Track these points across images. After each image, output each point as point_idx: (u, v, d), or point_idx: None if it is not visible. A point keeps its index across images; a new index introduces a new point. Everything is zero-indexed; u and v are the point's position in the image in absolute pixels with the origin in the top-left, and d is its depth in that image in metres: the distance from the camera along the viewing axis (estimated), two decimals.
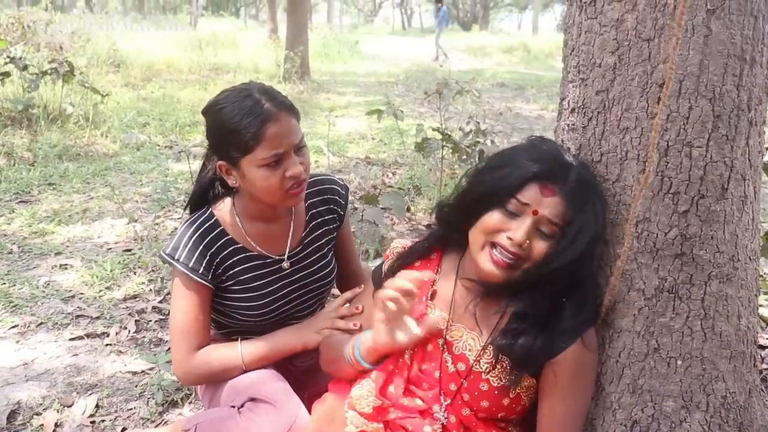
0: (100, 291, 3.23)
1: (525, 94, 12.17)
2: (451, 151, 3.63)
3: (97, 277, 3.36)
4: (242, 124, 1.53)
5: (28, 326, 2.89)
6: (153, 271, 3.45)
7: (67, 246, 3.85)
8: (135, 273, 3.43)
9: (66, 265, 3.56)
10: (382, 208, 3.33)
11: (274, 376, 1.71)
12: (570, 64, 1.58)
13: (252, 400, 1.63)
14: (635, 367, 1.52)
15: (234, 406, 1.65)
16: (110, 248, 3.82)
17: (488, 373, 1.38)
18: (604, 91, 1.48)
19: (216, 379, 1.72)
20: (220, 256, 1.69)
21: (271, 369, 1.74)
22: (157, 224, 4.10)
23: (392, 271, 1.54)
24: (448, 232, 1.53)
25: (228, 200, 1.75)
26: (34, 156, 5.67)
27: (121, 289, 3.24)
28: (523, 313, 1.38)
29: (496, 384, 1.38)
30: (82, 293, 3.21)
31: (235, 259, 1.71)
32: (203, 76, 11.88)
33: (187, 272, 1.65)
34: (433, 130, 3.61)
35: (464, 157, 3.75)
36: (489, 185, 1.38)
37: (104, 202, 4.65)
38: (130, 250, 3.77)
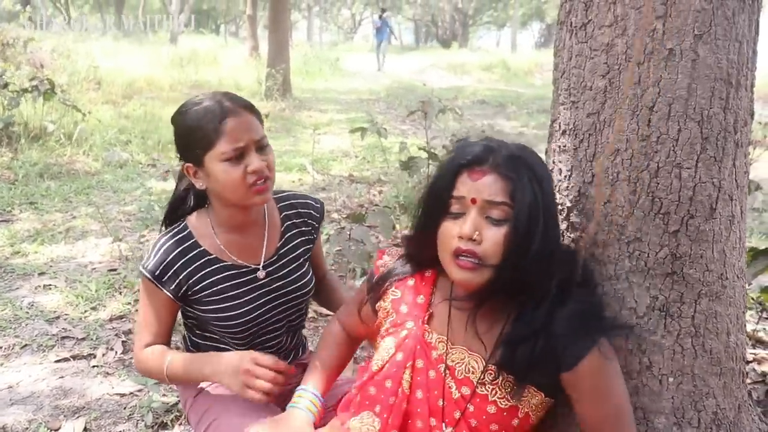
0: (85, 312, 3.20)
1: (506, 111, 12.30)
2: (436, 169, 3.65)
3: (81, 297, 3.33)
4: (203, 120, 1.61)
5: (12, 348, 2.86)
6: (138, 291, 3.41)
7: (51, 266, 3.81)
8: (120, 293, 3.40)
9: (49, 285, 3.53)
10: (368, 226, 3.33)
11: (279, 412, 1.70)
12: (561, 86, 1.61)
13: None
14: (628, 384, 1.53)
15: None
16: (94, 268, 3.79)
17: (495, 395, 1.34)
18: (595, 113, 1.51)
19: (153, 377, 1.82)
20: (191, 267, 1.71)
21: (273, 406, 1.75)
22: (141, 243, 4.07)
23: (381, 288, 1.51)
24: (421, 267, 1.49)
25: (201, 211, 1.78)
26: (14, 174, 5.62)
27: (106, 310, 3.21)
28: (521, 319, 1.33)
29: (503, 405, 1.34)
30: (66, 314, 3.18)
31: (208, 269, 1.73)
32: (185, 93, 11.85)
33: (150, 279, 1.69)
34: (419, 148, 3.63)
35: None
36: (428, 199, 1.36)
37: (87, 221, 4.61)
38: (114, 270, 3.74)
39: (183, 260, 1.71)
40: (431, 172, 3.77)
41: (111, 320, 3.12)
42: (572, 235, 1.55)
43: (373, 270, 1.58)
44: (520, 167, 1.28)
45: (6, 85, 6.56)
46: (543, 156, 1.70)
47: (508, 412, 1.34)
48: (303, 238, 1.91)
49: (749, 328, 2.83)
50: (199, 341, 1.87)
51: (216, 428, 1.74)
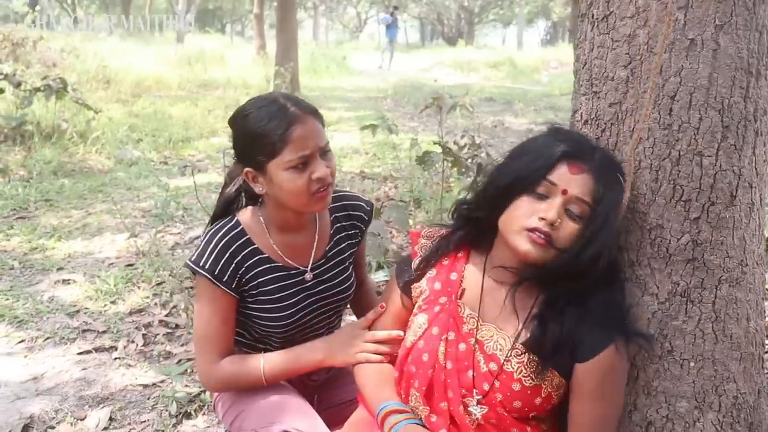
0: (104, 305, 3.25)
1: (513, 108, 12.31)
2: (450, 164, 3.69)
3: (100, 291, 3.38)
4: (268, 127, 1.56)
5: (35, 341, 2.91)
6: (157, 285, 3.47)
7: (69, 261, 3.87)
8: (139, 287, 3.45)
9: (68, 280, 3.58)
10: (385, 222, 3.37)
11: (308, 409, 1.72)
12: (582, 77, 1.64)
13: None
14: (649, 369, 1.57)
15: None
16: (112, 263, 3.84)
17: (520, 373, 1.40)
18: (617, 103, 1.54)
19: (237, 388, 1.74)
20: (246, 265, 1.69)
21: (300, 398, 1.75)
22: (157, 239, 4.12)
23: (422, 269, 1.57)
24: (471, 230, 1.55)
25: (254, 209, 1.75)
26: (29, 173, 5.68)
27: (125, 303, 3.26)
28: (552, 301, 1.40)
29: (528, 384, 1.40)
30: (86, 308, 3.23)
31: (260, 269, 1.72)
32: (193, 92, 11.93)
33: (212, 279, 1.65)
34: (434, 143, 3.67)
35: (463, 170, 3.81)
36: (516, 172, 1.41)
37: (103, 218, 4.67)
38: (132, 265, 3.79)
39: (239, 257, 1.68)
40: (446, 167, 3.81)
41: (131, 314, 3.17)
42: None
43: (410, 254, 1.64)
44: (612, 175, 1.39)
45: (19, 84, 6.62)
46: None
47: (531, 391, 1.40)
48: (350, 241, 1.89)
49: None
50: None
51: (248, 417, 1.74)
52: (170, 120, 8.60)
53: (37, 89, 6.66)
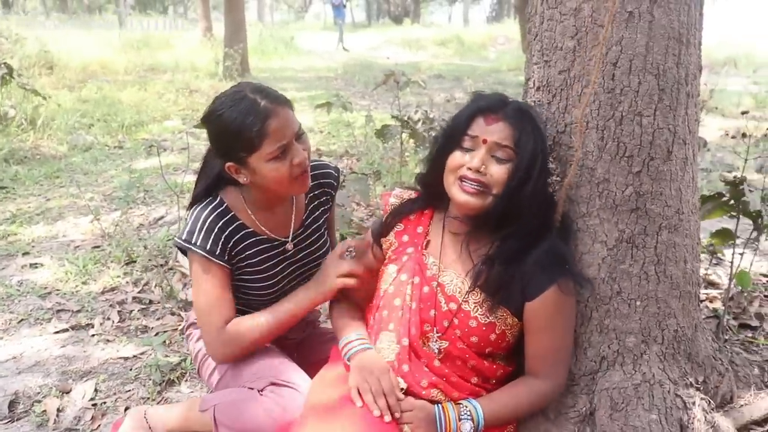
0: (76, 286, 3.30)
1: (462, 84, 12.44)
2: (408, 136, 3.83)
3: (70, 273, 3.42)
4: (244, 125, 1.64)
5: (9, 323, 2.94)
6: (126, 264, 3.53)
7: (33, 246, 3.88)
8: (108, 267, 3.50)
9: (36, 263, 3.60)
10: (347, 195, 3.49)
11: (291, 364, 1.86)
12: (534, 48, 1.80)
13: (273, 384, 1.76)
14: (601, 309, 1.76)
15: (252, 389, 1.77)
16: (78, 246, 3.87)
17: (476, 311, 1.60)
18: (566, 71, 1.71)
19: (247, 351, 1.82)
20: (234, 239, 1.81)
21: (283, 355, 1.88)
22: (122, 220, 4.15)
23: (389, 223, 1.77)
24: (430, 194, 1.74)
25: (235, 189, 1.85)
26: None
27: (97, 283, 3.31)
28: (501, 247, 1.59)
29: (483, 321, 1.59)
30: (58, 289, 3.27)
31: (246, 242, 1.84)
32: (141, 76, 11.74)
33: (206, 255, 1.75)
34: (392, 117, 3.80)
35: (419, 143, 3.96)
36: (444, 133, 1.63)
37: (63, 202, 4.66)
38: (98, 247, 3.83)
39: (227, 232, 1.79)
40: (405, 139, 3.95)
41: (103, 292, 3.22)
42: (549, 179, 1.74)
43: (383, 210, 1.84)
44: (526, 119, 1.56)
45: None
46: None
47: (486, 327, 1.60)
48: (323, 208, 2.03)
49: (702, 271, 3.09)
50: None
51: (234, 375, 1.86)
52: (120, 105, 8.48)
53: None
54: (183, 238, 1.77)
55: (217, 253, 1.76)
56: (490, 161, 1.53)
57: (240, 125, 1.64)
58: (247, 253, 1.84)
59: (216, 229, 1.77)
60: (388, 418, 1.49)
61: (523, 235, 1.58)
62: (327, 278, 1.81)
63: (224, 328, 1.76)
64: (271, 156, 1.67)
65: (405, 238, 1.75)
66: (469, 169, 1.52)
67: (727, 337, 2.44)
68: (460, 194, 1.55)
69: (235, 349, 1.79)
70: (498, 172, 1.52)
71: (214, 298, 1.77)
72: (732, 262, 2.55)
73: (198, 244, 1.75)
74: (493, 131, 1.53)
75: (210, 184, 1.87)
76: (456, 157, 1.56)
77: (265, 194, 1.83)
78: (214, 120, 1.70)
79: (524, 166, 1.52)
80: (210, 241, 1.76)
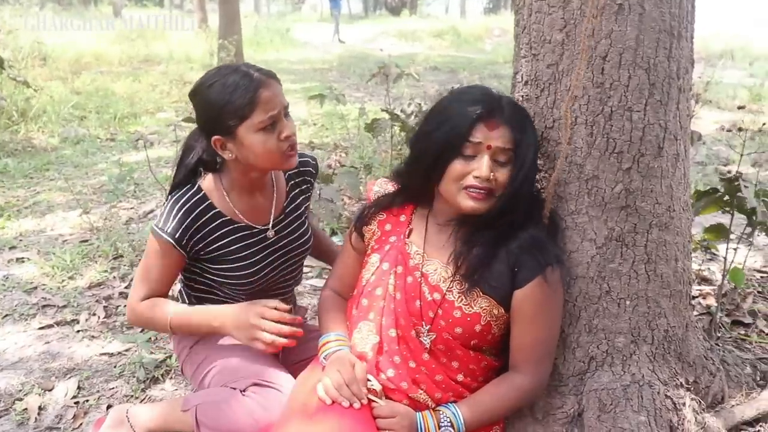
0: (62, 281, 3.25)
1: (458, 76, 12.42)
2: (398, 129, 3.78)
3: (57, 268, 3.37)
4: (236, 93, 1.64)
5: None
6: (114, 259, 3.48)
7: (20, 240, 3.83)
8: (96, 262, 3.46)
9: (22, 258, 3.56)
10: (337, 188, 3.46)
11: (276, 364, 1.84)
12: (522, 41, 1.76)
13: (255, 384, 1.74)
14: (590, 309, 1.72)
15: (235, 389, 1.75)
16: (66, 240, 3.83)
17: (460, 301, 1.57)
18: (554, 64, 1.66)
19: (149, 327, 1.98)
20: (208, 228, 1.79)
21: (268, 355, 1.84)
22: (111, 214, 4.10)
23: (371, 213, 1.75)
24: (414, 194, 1.71)
25: (214, 176, 1.84)
26: None
27: (84, 278, 3.27)
28: (487, 236, 1.57)
29: (468, 311, 1.56)
30: (44, 284, 3.23)
31: (224, 230, 1.82)
32: (135, 67, 11.65)
33: (171, 241, 1.75)
34: (382, 110, 3.75)
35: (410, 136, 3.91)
36: (442, 142, 1.55)
37: (53, 195, 4.61)
38: (86, 241, 3.78)
39: (200, 222, 1.78)
40: (396, 133, 3.90)
41: (90, 288, 3.18)
42: (537, 176, 1.71)
43: (367, 199, 1.82)
44: (524, 121, 1.56)
45: None
46: None
47: (471, 318, 1.57)
48: (303, 196, 2.03)
49: (695, 267, 3.06)
50: (199, 295, 1.96)
51: (217, 374, 1.85)
52: (114, 97, 8.41)
53: None
54: (159, 225, 1.78)
55: (183, 242, 1.77)
56: (494, 166, 1.52)
57: (231, 92, 1.65)
58: (223, 241, 1.83)
59: (189, 219, 1.77)
60: (357, 405, 1.50)
61: (508, 223, 1.57)
62: (244, 330, 1.74)
63: (140, 301, 1.83)
64: (261, 125, 1.66)
65: (388, 227, 1.73)
66: (477, 177, 1.51)
67: (719, 335, 2.41)
68: (467, 202, 1.53)
69: (140, 323, 1.94)
70: (502, 175, 1.52)
71: (154, 275, 1.82)
72: (726, 258, 2.52)
73: (168, 231, 1.75)
74: (495, 137, 1.51)
75: (189, 172, 1.86)
76: (459, 166, 1.52)
77: (247, 175, 1.81)
78: (205, 90, 1.70)
79: (524, 167, 1.53)
80: (180, 229, 1.76)
